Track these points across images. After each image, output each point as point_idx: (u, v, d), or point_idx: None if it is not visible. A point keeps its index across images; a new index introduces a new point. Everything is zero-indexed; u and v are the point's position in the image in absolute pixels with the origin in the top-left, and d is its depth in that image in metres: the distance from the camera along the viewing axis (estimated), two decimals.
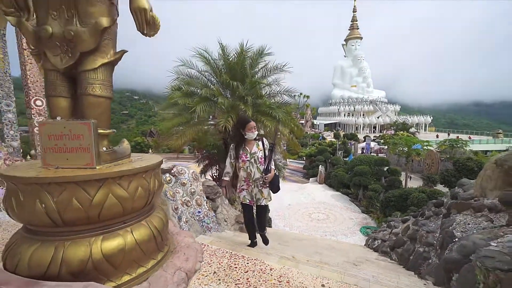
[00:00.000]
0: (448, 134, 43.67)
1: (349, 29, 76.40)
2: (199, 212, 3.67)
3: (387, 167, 16.10)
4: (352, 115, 60.25)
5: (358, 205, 14.76)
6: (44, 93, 9.26)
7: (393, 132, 41.40)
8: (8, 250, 1.45)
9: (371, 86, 71.14)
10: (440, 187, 13.09)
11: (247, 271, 2.08)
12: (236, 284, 1.91)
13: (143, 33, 1.54)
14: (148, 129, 46.92)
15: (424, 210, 4.22)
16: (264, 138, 3.03)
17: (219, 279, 1.88)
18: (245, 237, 3.27)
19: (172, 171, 3.74)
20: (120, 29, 1.64)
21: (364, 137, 37.52)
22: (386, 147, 25.76)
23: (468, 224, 2.70)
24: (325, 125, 63.82)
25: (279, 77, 8.55)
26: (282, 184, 3.25)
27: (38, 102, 9.08)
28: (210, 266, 2.06)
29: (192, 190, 3.80)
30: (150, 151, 30.04)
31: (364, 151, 27.63)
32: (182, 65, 8.23)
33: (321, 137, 40.46)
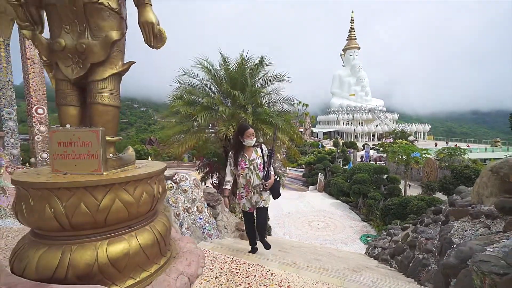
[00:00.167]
0: (447, 142, 43.88)
1: (347, 39, 77.82)
2: (200, 219, 3.69)
3: (387, 175, 16.14)
4: (351, 123, 60.64)
5: (358, 213, 14.71)
6: (45, 101, 9.37)
7: (392, 140, 41.57)
8: (15, 255, 1.48)
9: (369, 95, 71.92)
10: (439, 195, 13.11)
11: (249, 276, 2.10)
12: None
13: (150, 46, 1.62)
14: (148, 137, 46.99)
15: (423, 217, 4.25)
16: (262, 144, 3.04)
17: (221, 284, 1.91)
18: (245, 244, 3.29)
19: (174, 178, 3.78)
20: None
21: (363, 145, 37.67)
22: (385, 155, 25.83)
23: (466, 230, 2.74)
24: (324, 133, 64.07)
25: (279, 86, 8.71)
26: (282, 192, 3.26)
27: (40, 110, 9.17)
28: (212, 271, 2.08)
29: (193, 197, 3.83)
30: (149, 159, 30.00)
31: (363, 159, 27.68)
32: (183, 74, 8.39)
33: (320, 145, 40.55)
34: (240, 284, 1.96)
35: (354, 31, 76.37)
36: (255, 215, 3.09)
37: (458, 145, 22.58)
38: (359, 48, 76.84)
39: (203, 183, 9.53)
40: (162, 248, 1.78)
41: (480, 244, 2.09)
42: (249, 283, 1.99)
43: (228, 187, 2.97)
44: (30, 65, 8.68)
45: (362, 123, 59.84)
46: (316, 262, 3.44)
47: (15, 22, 1.62)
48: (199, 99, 8.37)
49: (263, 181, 2.85)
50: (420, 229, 3.71)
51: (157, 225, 1.78)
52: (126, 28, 1.66)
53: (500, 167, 2.80)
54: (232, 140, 7.36)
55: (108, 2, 1.48)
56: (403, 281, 2.88)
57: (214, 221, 4.13)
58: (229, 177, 2.96)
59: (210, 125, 9.21)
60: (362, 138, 56.45)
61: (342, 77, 76.12)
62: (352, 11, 76.19)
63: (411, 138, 46.53)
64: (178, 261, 1.87)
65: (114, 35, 1.52)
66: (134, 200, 1.57)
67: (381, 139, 51.90)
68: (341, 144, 39.69)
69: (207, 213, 4.00)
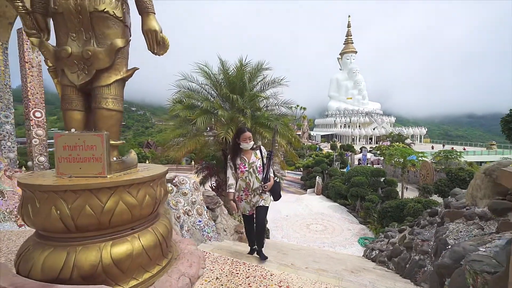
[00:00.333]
0: (443, 145, 44.26)
1: (343, 43, 78.59)
2: (199, 221, 3.72)
3: (384, 178, 16.23)
4: (348, 126, 60.99)
5: (355, 216, 14.75)
6: (43, 104, 9.37)
7: (389, 143, 41.82)
8: (21, 256, 1.51)
9: (366, 98, 72.44)
10: (435, 197, 13.22)
11: (249, 277, 2.14)
12: None
13: (153, 53, 1.67)
14: (145, 140, 46.83)
15: (420, 219, 4.31)
16: (261, 146, 3.05)
17: (222, 284, 1.94)
18: (244, 246, 3.32)
19: (174, 181, 3.81)
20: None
21: (361, 148, 37.85)
22: (382, 158, 25.98)
23: (461, 231, 2.80)
24: (322, 136, 64.36)
25: (277, 91, 8.81)
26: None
27: (38, 114, 9.16)
28: (212, 272, 2.12)
29: (193, 200, 3.87)
30: (147, 162, 29.85)
31: (361, 162, 27.81)
32: (183, 79, 8.45)
33: (318, 148, 40.69)
34: (241, 284, 1.99)
35: (351, 35, 77.20)
36: (254, 216, 3.10)
37: (454, 148, 22.78)
38: (356, 52, 77.60)
39: (202, 186, 9.55)
40: (164, 250, 1.81)
41: (473, 244, 2.15)
42: (249, 284, 2.02)
43: (232, 190, 2.92)
44: (28, 69, 8.69)
45: (359, 126, 60.22)
46: (314, 264, 3.48)
47: (23, 30, 1.66)
48: (199, 103, 8.43)
49: (262, 183, 2.87)
50: (416, 231, 3.77)
51: (159, 227, 1.82)
52: (130, 36, 1.71)
53: (493, 169, 2.87)
54: (230, 143, 7.41)
55: (113, 11, 1.54)
56: (399, 282, 2.93)
57: (214, 223, 4.16)
58: (232, 180, 2.93)
59: (208, 128, 9.25)
60: (359, 141, 56.77)
61: (340, 81, 76.72)
62: (349, 16, 77.11)
63: (408, 141, 46.85)
64: (180, 262, 1.90)
65: (119, 42, 1.58)
66: (137, 202, 1.61)
67: (378, 142, 52.20)
68: (338, 147, 39.86)
69: (206, 215, 4.03)
